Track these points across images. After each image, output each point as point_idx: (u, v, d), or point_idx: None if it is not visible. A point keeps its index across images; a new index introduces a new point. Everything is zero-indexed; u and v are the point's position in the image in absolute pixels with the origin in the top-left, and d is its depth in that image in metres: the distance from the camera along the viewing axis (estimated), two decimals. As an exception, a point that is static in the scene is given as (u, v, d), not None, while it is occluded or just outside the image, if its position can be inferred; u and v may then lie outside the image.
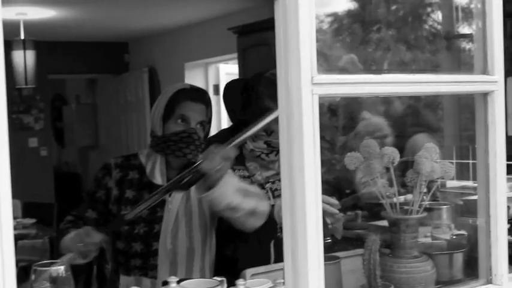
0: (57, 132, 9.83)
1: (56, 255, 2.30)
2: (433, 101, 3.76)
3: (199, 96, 2.41)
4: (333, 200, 2.34)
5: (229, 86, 3.11)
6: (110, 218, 2.37)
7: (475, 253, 2.12)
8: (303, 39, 1.48)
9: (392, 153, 1.81)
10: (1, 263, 1.05)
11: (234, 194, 2.10)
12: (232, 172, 2.25)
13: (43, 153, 7.87)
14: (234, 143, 2.09)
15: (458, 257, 2.12)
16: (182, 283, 1.62)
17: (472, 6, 2.18)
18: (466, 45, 2.89)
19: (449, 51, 3.07)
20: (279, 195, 2.21)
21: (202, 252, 2.41)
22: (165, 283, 1.88)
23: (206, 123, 2.40)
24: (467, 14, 2.93)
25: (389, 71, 4.02)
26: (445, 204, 2.58)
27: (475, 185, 3.21)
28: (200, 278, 2.37)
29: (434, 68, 3.91)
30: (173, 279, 1.53)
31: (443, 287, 1.93)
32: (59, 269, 1.47)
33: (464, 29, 2.98)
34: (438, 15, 4.13)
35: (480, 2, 1.90)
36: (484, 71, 1.89)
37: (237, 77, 5.91)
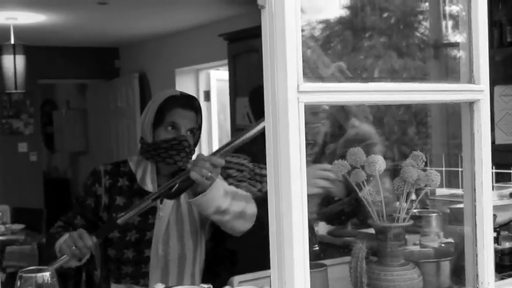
0: (47, 137, 9.80)
1: (46, 259, 2.30)
2: (421, 110, 3.78)
3: (190, 103, 2.43)
4: (326, 165, 2.33)
5: None
6: (99, 224, 2.38)
7: (462, 261, 2.13)
8: (290, 47, 1.49)
9: (379, 162, 1.82)
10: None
11: (222, 197, 2.11)
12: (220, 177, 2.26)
13: (33, 159, 7.84)
14: (222, 151, 2.10)
15: (446, 265, 2.13)
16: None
17: (459, 15, 2.20)
18: (453, 53, 2.91)
19: (438, 59, 3.09)
20: None
21: (193, 258, 2.42)
22: None
23: (196, 129, 2.41)
24: (455, 23, 2.95)
25: (380, 79, 4.04)
26: (433, 212, 2.59)
27: (463, 191, 3.24)
28: (191, 284, 2.38)
29: (425, 76, 3.94)
30: (160, 286, 1.53)
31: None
32: (45, 275, 1.47)
33: (452, 38, 3.00)
34: (428, 23, 4.16)
35: (466, 11, 1.91)
36: (470, 80, 1.90)
37: (227, 83, 5.92)
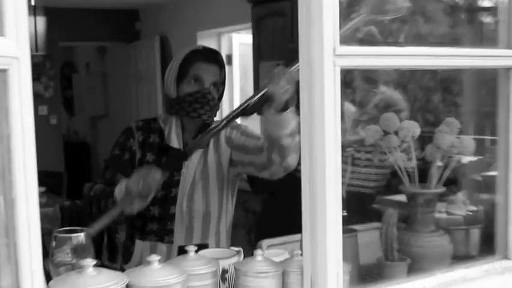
0: (66, 100, 9.86)
1: (67, 223, 2.32)
2: (447, 77, 3.74)
3: (213, 57, 2.43)
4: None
5: None
6: None
7: (491, 229, 2.15)
8: (326, 9, 1.48)
9: (412, 127, 1.83)
10: (27, 231, 1.08)
11: (294, 119, 2.03)
12: None
13: (52, 122, 7.90)
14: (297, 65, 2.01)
15: (475, 233, 2.15)
16: (201, 252, 1.65)
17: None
18: (489, 19, 2.87)
19: (471, 24, 3.05)
20: None
21: (218, 216, 2.44)
22: (181, 249, 1.91)
23: (220, 84, 2.41)
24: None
25: (405, 44, 4.01)
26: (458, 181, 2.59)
27: (490, 160, 3.23)
28: (215, 242, 2.41)
29: (453, 42, 3.89)
30: (192, 248, 1.56)
31: (461, 262, 1.95)
32: (80, 236, 1.51)
33: (487, 2, 2.96)
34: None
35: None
36: (509, 45, 1.89)
37: (249, 47, 5.89)
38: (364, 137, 1.92)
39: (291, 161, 2.15)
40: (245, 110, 2.06)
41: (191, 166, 2.39)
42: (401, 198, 2.93)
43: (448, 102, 4.49)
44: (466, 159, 3.22)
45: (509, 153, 1.93)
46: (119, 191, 2.15)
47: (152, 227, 2.39)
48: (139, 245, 2.40)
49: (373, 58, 1.61)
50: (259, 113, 2.06)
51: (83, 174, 8.56)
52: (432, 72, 4.09)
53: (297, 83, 1.96)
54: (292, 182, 2.54)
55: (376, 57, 1.61)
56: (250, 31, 5.71)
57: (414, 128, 1.83)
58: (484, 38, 3.00)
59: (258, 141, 2.27)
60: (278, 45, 5.27)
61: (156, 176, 2.10)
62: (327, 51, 1.49)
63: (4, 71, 1.02)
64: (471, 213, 2.34)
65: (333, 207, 1.53)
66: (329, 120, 1.50)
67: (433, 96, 4.55)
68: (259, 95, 2.01)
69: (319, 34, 1.49)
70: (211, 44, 6.85)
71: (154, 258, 1.43)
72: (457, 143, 1.89)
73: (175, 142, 2.39)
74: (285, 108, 2.00)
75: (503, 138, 1.94)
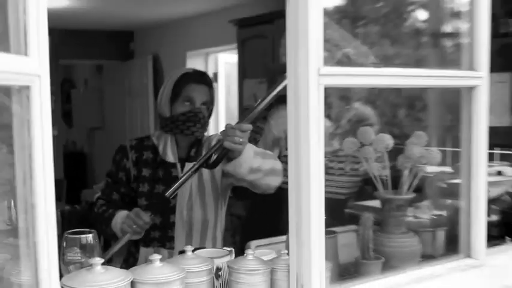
0: (66, 114, 9.79)
1: (67, 227, 2.34)
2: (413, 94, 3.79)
3: (202, 78, 2.45)
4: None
5: None
6: (132, 195, 2.41)
7: (454, 231, 2.18)
8: (312, 33, 1.51)
9: (386, 140, 1.86)
10: (46, 232, 1.09)
11: (253, 158, 2.11)
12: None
13: (54, 133, 7.77)
14: (247, 118, 2.08)
15: (441, 234, 2.19)
16: (196, 251, 1.66)
17: (460, 6, 2.22)
18: (451, 43, 2.92)
19: (435, 48, 3.10)
20: None
21: (214, 223, 2.46)
22: (182, 253, 1.92)
23: (210, 103, 2.43)
24: (455, 13, 2.96)
25: (378, 64, 4.05)
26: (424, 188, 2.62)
27: (451, 170, 3.27)
28: (212, 246, 2.42)
29: (418, 63, 3.94)
30: (189, 248, 1.57)
31: (428, 260, 1.98)
32: (88, 236, 1.51)
33: (450, 28, 3.01)
34: (422, 13, 4.15)
35: (469, 2, 1.93)
36: (471, 67, 1.93)
37: (233, 66, 5.92)
38: (343, 147, 1.95)
39: (271, 184, 2.23)
40: (209, 164, 2.13)
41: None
42: (372, 203, 2.97)
43: (411, 117, 4.53)
44: (433, 168, 3.26)
45: (471, 163, 1.97)
46: (114, 223, 2.25)
47: (155, 235, 2.39)
48: (144, 251, 2.40)
49: (352, 78, 1.63)
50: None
51: (81, 181, 8.50)
52: (398, 90, 4.13)
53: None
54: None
55: (354, 77, 1.64)
56: (235, 51, 5.74)
57: (388, 140, 1.86)
58: (446, 60, 3.06)
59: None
60: (260, 64, 5.30)
61: (145, 220, 2.17)
62: (312, 71, 1.51)
63: (27, 87, 1.04)
64: (436, 217, 2.37)
65: (317, 211, 1.55)
66: (313, 132, 1.52)
67: (399, 111, 4.60)
68: (215, 149, 2.09)
69: (305, 56, 1.51)
70: (199, 62, 6.87)
71: (156, 257, 1.44)
72: (426, 154, 1.92)
73: (171, 157, 2.41)
74: (237, 155, 2.07)
75: (466, 150, 1.98)
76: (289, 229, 1.59)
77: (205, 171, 2.40)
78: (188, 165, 2.40)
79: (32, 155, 1.05)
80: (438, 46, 3.13)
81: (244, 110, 5.49)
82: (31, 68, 1.04)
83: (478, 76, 1.91)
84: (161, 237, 2.40)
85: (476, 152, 1.95)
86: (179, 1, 5.89)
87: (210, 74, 6.98)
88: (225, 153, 2.07)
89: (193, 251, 1.61)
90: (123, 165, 2.43)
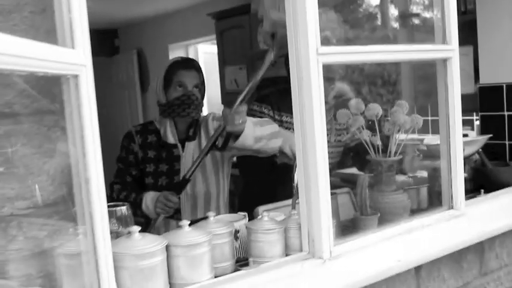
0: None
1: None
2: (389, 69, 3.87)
3: (190, 64, 2.48)
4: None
5: None
6: (142, 176, 2.46)
7: (434, 188, 2.27)
8: (310, 17, 1.57)
9: (376, 109, 1.92)
10: (99, 203, 1.14)
11: (254, 128, 2.16)
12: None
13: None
14: (240, 98, 2.11)
15: (424, 190, 2.27)
16: (217, 217, 1.71)
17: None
18: (422, 22, 3.00)
19: (404, 26, 3.18)
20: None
21: (217, 194, 2.51)
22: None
23: (200, 85, 2.46)
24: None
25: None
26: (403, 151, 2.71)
27: (419, 136, 3.35)
28: (216, 215, 2.47)
29: (387, 41, 3.99)
30: (211, 214, 1.62)
31: (417, 213, 2.06)
32: (122, 209, 1.56)
33: (419, 9, 3.09)
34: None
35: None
36: (444, 41, 2.01)
37: (214, 55, 5.93)
38: (338, 118, 2.00)
39: (274, 146, 2.27)
40: (218, 148, 2.20)
41: (188, 157, 2.45)
42: (351, 171, 3.05)
43: (390, 89, 4.61)
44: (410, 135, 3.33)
45: (449, 125, 2.05)
46: (144, 206, 2.33)
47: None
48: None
49: (346, 55, 1.70)
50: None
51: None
52: (373, 66, 4.16)
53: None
54: (272, 165, 2.63)
55: (348, 54, 1.70)
56: (214, 42, 5.75)
57: (378, 109, 1.92)
58: (419, 38, 3.14)
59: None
60: (239, 52, 5.32)
61: (174, 200, 2.26)
62: (312, 50, 1.57)
63: (76, 76, 1.08)
64: (415, 177, 2.45)
65: (323, 175, 1.63)
66: (316, 103, 1.59)
67: (371, 86, 4.67)
68: (219, 133, 2.16)
69: (305, 38, 1.57)
70: (180, 54, 6.85)
71: (185, 223, 1.49)
72: (409, 120, 1.99)
73: (171, 139, 2.45)
74: (240, 133, 2.11)
75: (444, 114, 2.07)
76: (298, 192, 1.66)
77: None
78: (188, 145, 2.45)
79: (83, 136, 1.09)
80: (406, 25, 3.20)
81: (226, 94, 5.53)
82: (78, 59, 1.08)
83: (450, 49, 1.99)
84: None
85: (453, 116, 2.03)
86: (159, -2, 5.87)
87: (191, 63, 6.98)
88: (230, 135, 2.12)
89: (196, 221, 1.66)
90: (131, 148, 2.47)
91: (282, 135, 2.28)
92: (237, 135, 2.11)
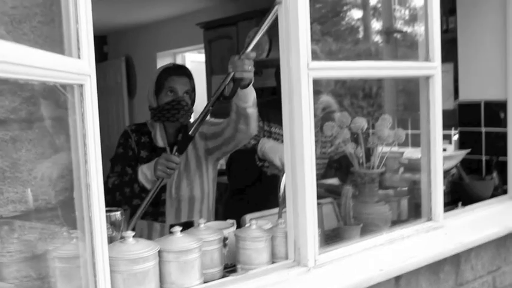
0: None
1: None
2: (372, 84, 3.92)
3: (182, 70, 2.49)
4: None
5: None
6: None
7: (414, 200, 2.31)
8: (301, 34, 1.61)
9: (362, 122, 1.96)
10: (98, 205, 1.16)
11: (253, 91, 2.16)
12: None
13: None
14: (250, 47, 2.08)
15: (404, 202, 2.31)
16: (207, 223, 1.73)
17: (414, 6, 2.33)
18: (407, 39, 3.05)
19: (388, 42, 3.23)
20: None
21: (201, 198, 2.50)
22: (171, 226, 1.96)
23: (191, 91, 2.46)
24: (410, 13, 3.10)
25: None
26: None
27: (400, 149, 3.40)
28: (199, 219, 2.47)
29: (358, 57, 4.04)
30: (202, 221, 1.64)
31: (397, 225, 2.10)
32: (116, 214, 1.58)
33: (402, 26, 3.14)
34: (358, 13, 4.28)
35: (423, 4, 2.06)
36: (427, 58, 2.06)
37: (201, 64, 5.95)
38: (324, 130, 2.03)
39: (254, 127, 2.25)
40: (226, 96, 2.11)
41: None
42: (332, 181, 3.08)
43: (372, 102, 4.66)
44: (395, 148, 3.38)
45: (430, 140, 2.10)
46: (141, 174, 2.26)
47: (148, 210, 2.43)
48: (139, 223, 2.44)
49: (335, 70, 1.74)
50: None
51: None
52: (356, 81, 4.20)
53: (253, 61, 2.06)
54: (259, 175, 2.67)
55: (337, 70, 1.74)
56: (201, 51, 5.77)
57: (363, 123, 1.96)
58: (400, 53, 3.19)
59: (223, 124, 2.35)
60: (226, 62, 5.34)
61: (176, 160, 2.20)
62: (303, 65, 1.61)
63: (81, 85, 1.10)
64: (396, 189, 2.49)
65: (310, 186, 1.66)
66: (306, 117, 1.63)
67: (353, 99, 4.72)
68: (229, 79, 2.07)
69: (297, 53, 1.61)
70: (167, 61, 6.86)
71: (177, 229, 1.52)
72: (392, 134, 2.03)
73: (160, 143, 2.46)
74: (248, 84, 2.09)
75: (425, 130, 2.12)
76: (286, 201, 1.69)
77: (190, 152, 2.45)
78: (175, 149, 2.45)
79: (86, 143, 1.11)
80: (390, 41, 3.26)
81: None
82: (84, 68, 1.10)
83: (433, 66, 2.05)
84: (153, 213, 2.44)
85: (434, 131, 2.08)
86: (148, 6, 5.87)
87: (178, 71, 6.98)
88: (238, 83, 2.06)
89: (184, 227, 1.68)
90: (129, 144, 2.46)
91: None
92: (243, 86, 2.07)
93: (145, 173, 2.27)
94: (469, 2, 2.74)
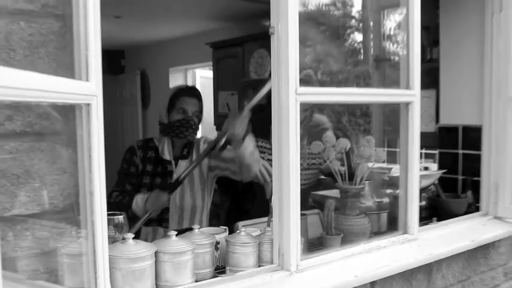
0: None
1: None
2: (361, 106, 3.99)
3: (193, 93, 2.58)
4: (271, 168, 2.39)
5: None
6: (139, 187, 2.51)
7: (393, 214, 2.35)
8: (291, 62, 1.66)
9: (345, 143, 2.01)
10: (100, 211, 1.21)
11: (253, 145, 2.28)
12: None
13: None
14: (247, 108, 2.18)
15: (384, 216, 2.35)
16: (201, 229, 1.78)
17: (398, 37, 2.38)
18: (392, 67, 3.11)
19: (377, 68, 3.29)
20: None
21: (202, 208, 2.57)
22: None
23: (199, 112, 2.56)
24: (394, 43, 3.16)
25: (338, 83, 4.21)
26: (368, 180, 2.80)
27: (388, 166, 3.44)
28: (199, 228, 2.53)
29: (361, 80, 4.10)
30: (196, 227, 1.70)
31: (375, 236, 2.15)
32: (119, 217, 1.63)
33: (390, 54, 3.20)
34: (366, 37, 4.35)
35: (405, 36, 2.11)
36: (407, 86, 2.11)
37: (210, 80, 6.03)
38: (311, 148, 2.09)
39: (255, 170, 2.37)
40: (215, 150, 2.31)
41: (179, 173, 2.51)
42: (326, 192, 3.12)
43: (352, 122, 4.71)
44: (378, 165, 3.43)
45: (408, 160, 2.15)
46: (135, 204, 2.35)
47: (153, 217, 2.50)
48: (144, 229, 2.51)
49: (320, 96, 1.80)
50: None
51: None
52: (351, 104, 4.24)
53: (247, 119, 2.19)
54: (249, 184, 2.72)
55: (321, 95, 1.80)
56: (210, 68, 5.85)
57: (346, 143, 2.01)
58: (387, 78, 3.25)
59: (231, 153, 2.42)
60: (232, 79, 5.43)
61: (165, 199, 2.31)
62: (292, 91, 1.67)
63: (88, 105, 1.16)
64: (377, 203, 2.53)
65: (294, 199, 1.71)
66: (292, 136, 1.68)
67: (342, 118, 4.78)
68: (223, 139, 2.25)
69: (286, 79, 1.67)
70: (179, 76, 6.95)
71: (173, 233, 1.57)
72: (374, 153, 2.08)
73: (167, 156, 2.53)
74: (243, 138, 2.21)
75: (404, 151, 2.16)
76: (272, 212, 1.75)
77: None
78: (181, 163, 2.53)
79: (91, 155, 1.17)
80: (379, 67, 3.31)
81: (218, 116, 5.61)
82: (91, 90, 1.16)
83: (413, 94, 2.10)
84: (158, 219, 2.50)
85: (412, 152, 2.13)
86: (163, 25, 5.96)
87: (188, 86, 7.04)
88: (229, 141, 2.22)
89: (187, 230, 1.74)
90: (133, 161, 2.52)
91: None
92: (236, 146, 2.20)
93: (138, 203, 2.37)
94: (451, 35, 2.80)
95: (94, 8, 1.16)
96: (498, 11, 2.52)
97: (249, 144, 2.24)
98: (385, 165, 3.85)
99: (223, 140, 2.25)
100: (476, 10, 2.63)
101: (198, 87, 7.14)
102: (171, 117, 2.50)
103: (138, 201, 2.36)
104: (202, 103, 2.59)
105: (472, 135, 2.74)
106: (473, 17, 2.66)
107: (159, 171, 2.52)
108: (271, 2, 1.68)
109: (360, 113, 4.46)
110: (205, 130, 5.87)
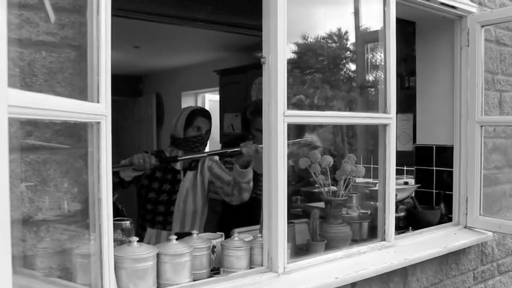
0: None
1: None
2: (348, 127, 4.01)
3: (207, 114, 2.64)
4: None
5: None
6: (147, 190, 2.51)
7: (374, 223, 2.36)
8: (280, 88, 1.70)
9: (328, 159, 2.03)
10: (107, 217, 1.23)
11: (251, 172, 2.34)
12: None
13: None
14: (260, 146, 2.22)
15: (365, 225, 2.36)
16: (199, 234, 1.80)
17: (378, 64, 2.41)
18: (373, 92, 3.15)
19: (362, 94, 3.32)
20: None
21: (201, 214, 2.59)
22: (176, 234, 2.03)
23: (209, 131, 2.62)
24: (375, 71, 3.20)
25: (318, 104, 4.25)
26: (355, 193, 2.81)
27: (374, 181, 3.44)
28: (198, 232, 2.55)
29: (350, 104, 4.13)
30: (195, 232, 1.71)
31: (356, 243, 2.15)
32: (126, 223, 1.65)
33: (372, 79, 3.24)
34: (353, 67, 4.39)
35: (383, 66, 2.15)
36: (385, 110, 2.14)
37: (216, 103, 6.08)
38: (299, 164, 2.11)
39: (245, 196, 2.44)
40: (224, 154, 2.39)
41: (186, 182, 2.55)
42: (316, 204, 3.12)
43: (345, 142, 4.72)
44: (358, 180, 3.44)
45: (385, 177, 2.17)
46: (127, 160, 2.27)
47: (159, 219, 2.52)
48: (149, 231, 2.52)
49: (307, 117, 1.83)
50: (231, 157, 2.34)
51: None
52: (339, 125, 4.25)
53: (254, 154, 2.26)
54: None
55: (308, 117, 1.83)
56: (217, 92, 5.90)
57: (330, 160, 2.03)
58: (369, 101, 3.28)
59: (228, 176, 2.49)
60: (236, 102, 5.48)
61: (151, 160, 2.21)
62: (280, 113, 1.70)
63: (98, 123, 1.19)
64: (361, 214, 2.54)
65: (282, 210, 1.73)
66: (280, 153, 1.70)
67: (337, 138, 4.78)
68: (235, 149, 2.31)
69: (275, 103, 1.70)
70: (190, 100, 7.00)
71: (173, 237, 1.59)
72: (355, 169, 2.10)
73: (178, 166, 2.56)
74: (246, 166, 2.31)
75: (382, 168, 2.18)
76: (263, 220, 1.76)
77: (198, 177, 2.55)
78: (188, 173, 2.55)
79: (100, 167, 1.20)
80: (363, 93, 3.35)
81: (223, 135, 5.64)
82: (101, 110, 1.19)
83: (389, 117, 2.12)
84: (163, 222, 2.52)
85: (389, 168, 2.15)
86: (176, 55, 6.04)
87: (198, 108, 7.08)
88: (237, 153, 2.30)
89: (186, 234, 1.75)
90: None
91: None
92: (243, 165, 2.31)
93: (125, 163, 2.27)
94: (426, 66, 2.83)
95: (106, 40, 1.20)
96: (466, 45, 2.56)
97: (250, 171, 2.32)
98: (371, 180, 3.85)
99: (232, 150, 2.32)
100: (447, 44, 2.67)
101: (207, 109, 7.23)
102: (187, 133, 2.55)
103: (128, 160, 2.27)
104: (211, 123, 2.64)
105: (445, 154, 2.75)
106: (445, 50, 2.70)
107: (168, 178, 2.54)
108: (264, 36, 1.72)
109: (351, 134, 4.48)
110: (212, 147, 5.91)
